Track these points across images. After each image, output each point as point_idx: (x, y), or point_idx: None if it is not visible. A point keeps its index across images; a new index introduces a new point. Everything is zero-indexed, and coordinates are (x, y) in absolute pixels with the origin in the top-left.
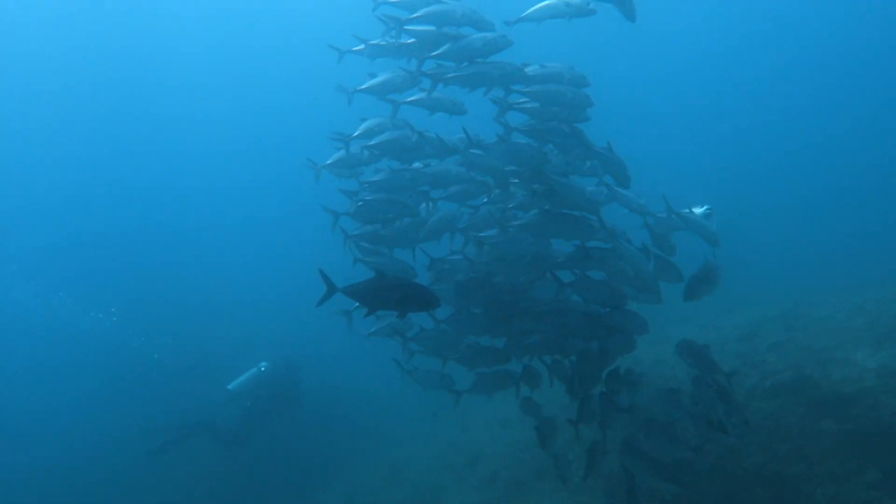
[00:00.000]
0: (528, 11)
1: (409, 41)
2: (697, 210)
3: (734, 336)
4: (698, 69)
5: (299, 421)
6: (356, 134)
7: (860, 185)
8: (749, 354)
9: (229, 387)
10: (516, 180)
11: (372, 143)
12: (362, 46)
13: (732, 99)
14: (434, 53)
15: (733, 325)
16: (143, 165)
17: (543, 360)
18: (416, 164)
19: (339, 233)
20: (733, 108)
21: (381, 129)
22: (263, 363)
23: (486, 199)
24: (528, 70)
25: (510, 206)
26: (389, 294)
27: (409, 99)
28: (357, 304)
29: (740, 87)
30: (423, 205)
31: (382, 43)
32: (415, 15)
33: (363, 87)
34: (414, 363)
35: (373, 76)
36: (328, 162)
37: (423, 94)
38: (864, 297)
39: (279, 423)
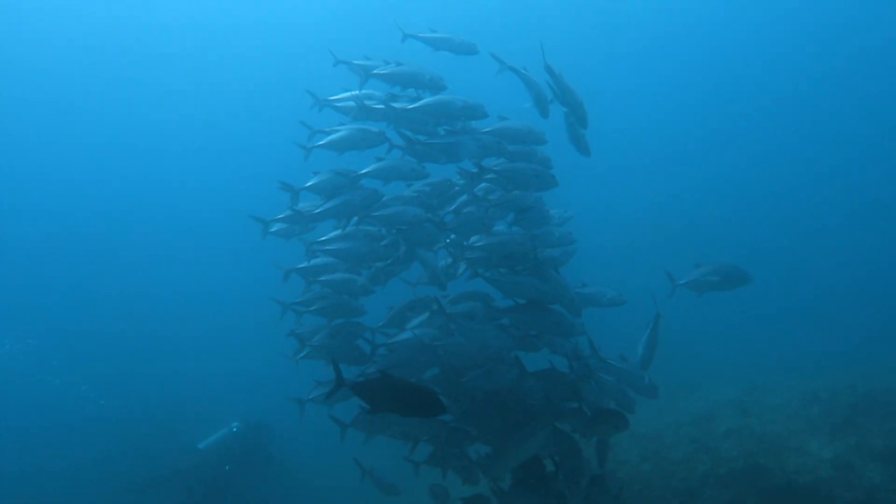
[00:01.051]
0: (525, 74)
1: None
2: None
3: (689, 420)
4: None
5: (263, 484)
6: (307, 185)
7: (815, 268)
8: (703, 440)
9: (200, 445)
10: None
11: (318, 210)
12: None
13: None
14: (412, 106)
15: (689, 408)
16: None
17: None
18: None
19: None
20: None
21: (332, 184)
22: (235, 423)
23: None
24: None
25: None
26: (394, 395)
27: (365, 171)
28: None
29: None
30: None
31: (340, 102)
32: (382, 71)
33: (321, 143)
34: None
35: (342, 125)
36: (277, 217)
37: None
38: (818, 384)
39: (245, 484)
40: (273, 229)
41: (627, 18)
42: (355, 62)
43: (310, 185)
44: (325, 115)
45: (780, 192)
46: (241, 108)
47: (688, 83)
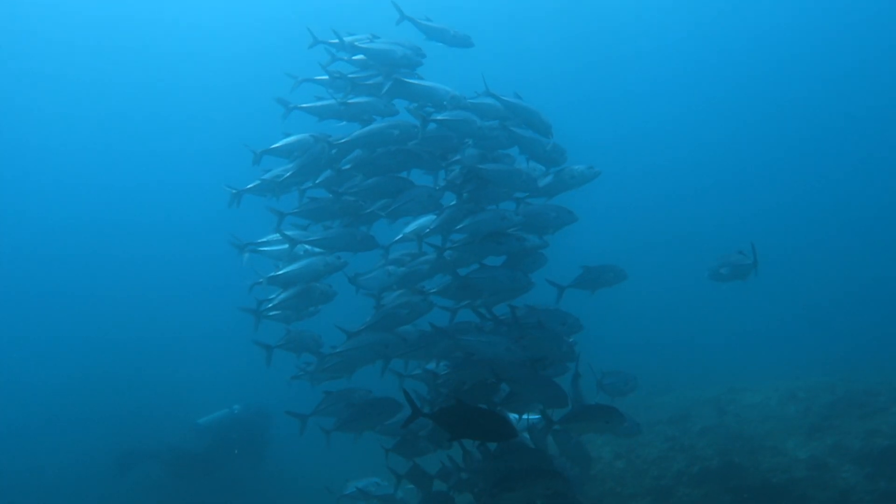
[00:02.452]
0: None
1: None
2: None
3: (665, 417)
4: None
5: (254, 469)
6: (274, 146)
7: (802, 272)
8: (678, 437)
9: (199, 421)
10: None
11: (287, 175)
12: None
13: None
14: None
15: (666, 405)
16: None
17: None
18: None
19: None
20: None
21: (302, 146)
22: (237, 405)
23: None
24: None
25: None
26: (470, 422)
27: (346, 139)
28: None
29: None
30: None
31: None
32: (352, 38)
33: (304, 105)
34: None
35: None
36: (248, 186)
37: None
38: (797, 384)
39: (237, 467)
40: (249, 186)
41: (627, 21)
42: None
43: (277, 147)
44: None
45: (771, 197)
46: (228, 104)
47: (688, 87)
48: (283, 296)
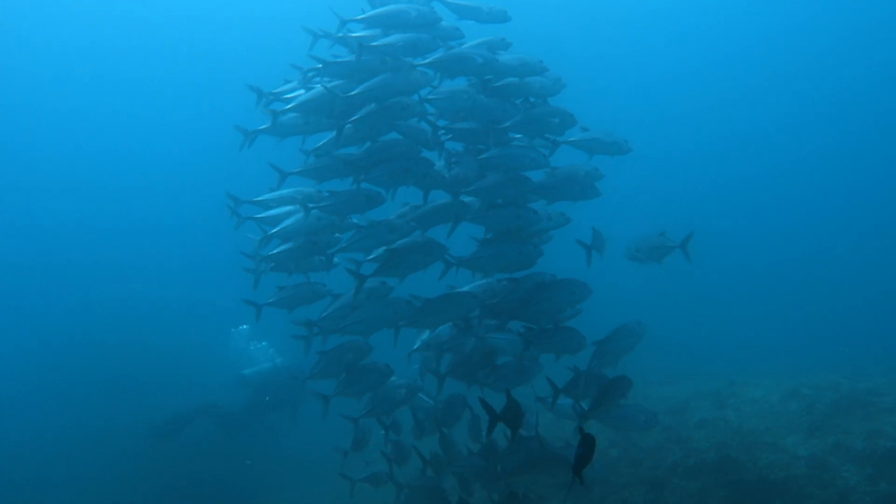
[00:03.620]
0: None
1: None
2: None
3: (663, 408)
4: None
5: (286, 425)
6: (276, 90)
7: (807, 269)
8: (675, 429)
9: (244, 372)
10: None
11: (289, 106)
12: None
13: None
14: (429, 60)
15: (664, 396)
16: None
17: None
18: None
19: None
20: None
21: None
22: (279, 358)
23: None
24: None
25: None
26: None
27: (358, 90)
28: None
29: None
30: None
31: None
32: (364, 16)
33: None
34: None
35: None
36: (260, 128)
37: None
38: (801, 381)
39: (276, 419)
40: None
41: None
42: None
43: (280, 90)
44: None
45: (783, 195)
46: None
47: (702, 84)
48: (280, 248)
